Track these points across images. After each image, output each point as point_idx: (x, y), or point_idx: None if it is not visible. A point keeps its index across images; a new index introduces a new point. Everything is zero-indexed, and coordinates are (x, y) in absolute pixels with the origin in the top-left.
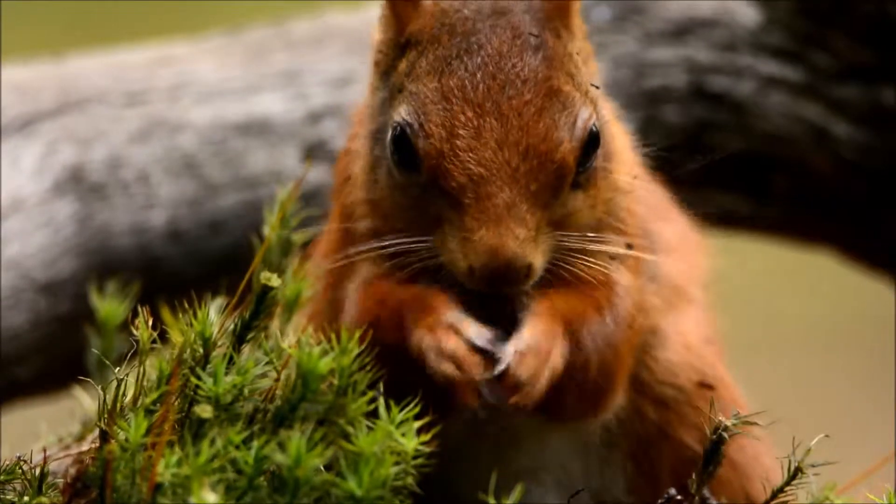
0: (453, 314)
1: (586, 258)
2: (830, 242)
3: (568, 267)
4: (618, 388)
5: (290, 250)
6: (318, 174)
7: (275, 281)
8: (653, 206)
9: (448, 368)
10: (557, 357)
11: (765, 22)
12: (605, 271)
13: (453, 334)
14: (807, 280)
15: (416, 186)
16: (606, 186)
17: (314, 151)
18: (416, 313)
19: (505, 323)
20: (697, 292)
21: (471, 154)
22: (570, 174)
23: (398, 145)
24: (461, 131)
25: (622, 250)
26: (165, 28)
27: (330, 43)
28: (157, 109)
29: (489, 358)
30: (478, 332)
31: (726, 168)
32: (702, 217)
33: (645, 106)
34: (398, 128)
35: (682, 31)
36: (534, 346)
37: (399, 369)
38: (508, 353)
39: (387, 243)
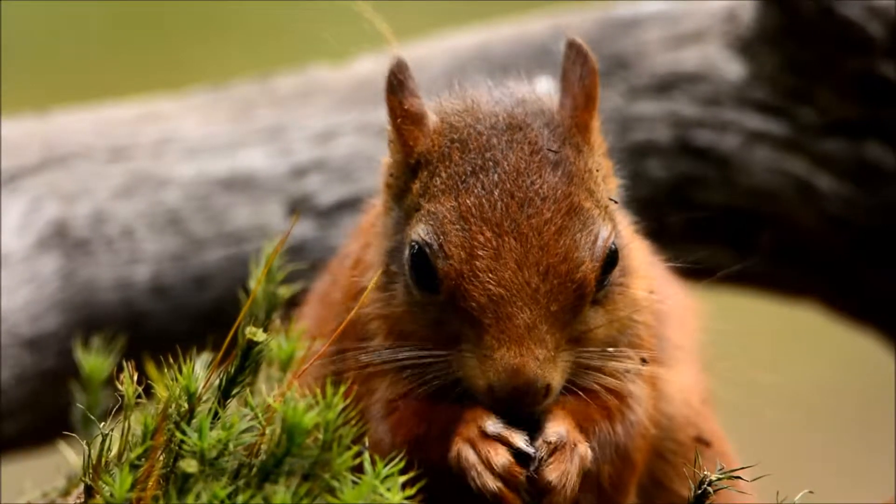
0: (496, 424)
1: (602, 373)
2: (815, 295)
3: (584, 381)
4: (629, 495)
5: (276, 305)
6: (303, 229)
7: (260, 336)
8: (655, 276)
9: (496, 484)
10: (585, 449)
11: (750, 77)
12: (620, 383)
13: (499, 445)
14: (793, 336)
15: (434, 304)
16: (623, 302)
17: (298, 206)
18: (454, 426)
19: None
20: (693, 353)
21: (490, 275)
22: (589, 294)
23: (416, 264)
24: (480, 252)
25: (637, 365)
26: (150, 85)
27: (314, 99)
28: (141, 165)
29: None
30: (525, 441)
31: (710, 222)
32: (686, 272)
33: (630, 160)
34: (416, 247)
35: (667, 85)
36: (560, 441)
37: (440, 484)
38: (539, 451)
39: (403, 355)
